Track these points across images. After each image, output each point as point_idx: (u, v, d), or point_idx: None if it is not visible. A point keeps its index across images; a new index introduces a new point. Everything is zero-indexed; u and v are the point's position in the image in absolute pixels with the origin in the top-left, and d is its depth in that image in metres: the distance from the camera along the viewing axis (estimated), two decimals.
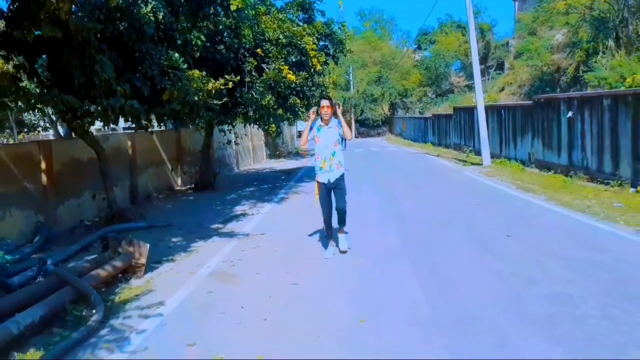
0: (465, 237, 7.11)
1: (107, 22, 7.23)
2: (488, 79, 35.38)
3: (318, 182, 6.54)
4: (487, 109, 18.37)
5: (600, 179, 11.18)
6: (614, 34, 17.89)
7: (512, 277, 5.28)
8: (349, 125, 48.84)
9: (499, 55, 38.27)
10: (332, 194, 6.50)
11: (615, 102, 10.80)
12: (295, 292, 5.18)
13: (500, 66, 37.48)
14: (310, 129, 6.54)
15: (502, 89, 29.72)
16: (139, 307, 4.97)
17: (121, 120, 8.50)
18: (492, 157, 17.33)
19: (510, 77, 30.22)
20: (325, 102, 6.44)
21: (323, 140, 6.44)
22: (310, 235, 7.78)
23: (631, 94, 10.43)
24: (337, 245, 6.60)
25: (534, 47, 26.30)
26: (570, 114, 12.70)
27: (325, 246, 6.72)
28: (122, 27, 7.47)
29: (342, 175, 6.48)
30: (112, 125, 11.40)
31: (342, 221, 6.58)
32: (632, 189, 9.88)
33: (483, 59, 36.13)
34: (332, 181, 6.42)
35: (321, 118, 6.46)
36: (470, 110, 21.70)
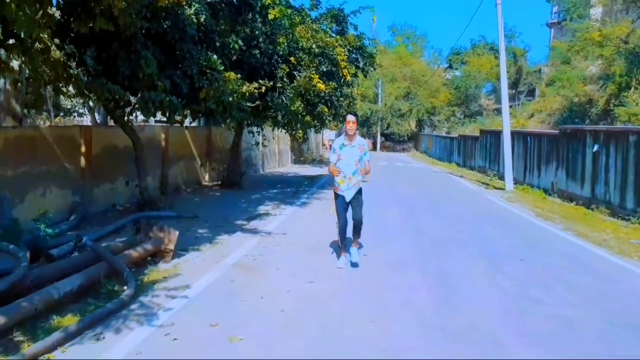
0: (478, 256, 7.34)
1: (153, 21, 7.73)
2: (518, 104, 35.31)
3: (335, 193, 6.57)
4: (514, 134, 18.46)
5: (621, 215, 11.24)
6: None
7: (519, 295, 5.51)
8: (374, 138, 49.22)
9: (531, 82, 38.16)
10: (349, 205, 6.52)
11: None
12: (312, 289, 5.50)
13: (531, 92, 37.36)
14: (333, 150, 6.59)
15: (532, 116, 29.64)
16: (166, 287, 5.36)
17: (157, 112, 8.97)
18: (515, 183, 17.40)
19: (541, 105, 30.12)
20: (351, 118, 6.42)
21: (345, 158, 6.43)
22: (329, 239, 8.08)
23: None
24: (349, 256, 6.57)
25: (567, 76, 26.22)
26: (596, 147, 12.78)
27: (339, 254, 6.77)
28: (166, 26, 7.97)
29: (360, 190, 6.51)
30: (142, 117, 11.91)
31: (357, 232, 6.55)
32: None
33: (514, 84, 36.11)
34: (347, 199, 6.45)
35: (346, 134, 6.44)
36: (497, 134, 21.78)
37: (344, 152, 6.44)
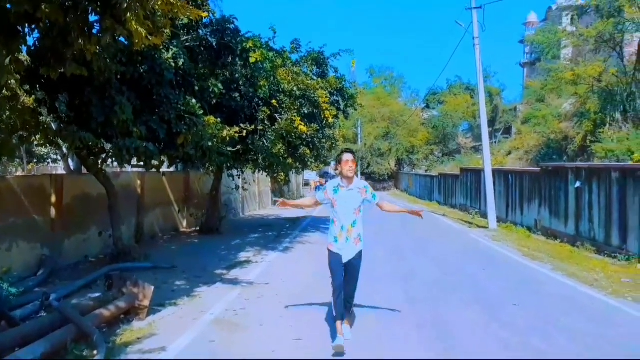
0: (471, 302, 7.03)
1: (129, 65, 7.52)
2: (495, 142, 35.88)
3: (329, 250, 5.34)
4: (494, 172, 18.52)
5: (607, 252, 11.12)
6: (622, 107, 18.27)
7: (520, 346, 5.19)
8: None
9: (507, 120, 39.01)
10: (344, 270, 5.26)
11: (624, 176, 10.89)
12: (299, 347, 5.10)
13: (507, 130, 38.10)
14: (321, 188, 5.50)
15: (509, 153, 30.07)
16: (140, 350, 4.91)
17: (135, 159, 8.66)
18: (498, 221, 17.31)
19: (518, 142, 30.63)
20: (349, 157, 5.31)
21: (341, 206, 5.25)
22: (315, 287, 7.71)
23: None
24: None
25: (542, 114, 26.82)
26: (578, 184, 12.79)
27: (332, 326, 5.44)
28: (142, 71, 7.76)
29: (360, 253, 5.32)
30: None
31: (348, 308, 5.38)
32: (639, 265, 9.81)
33: (491, 122, 36.74)
34: (345, 260, 5.22)
35: (342, 176, 5.33)
36: (477, 172, 21.87)
37: (340, 198, 5.27)
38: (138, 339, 5.29)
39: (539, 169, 16.09)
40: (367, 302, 6.87)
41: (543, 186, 15.14)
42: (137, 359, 4.72)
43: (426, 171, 41.31)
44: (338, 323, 5.12)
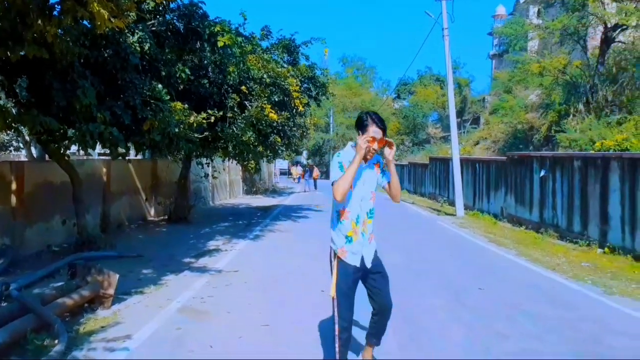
0: (438, 288, 7.15)
1: (92, 48, 7.28)
2: (464, 132, 36.39)
3: (341, 260, 3.66)
4: (462, 161, 18.82)
5: (569, 238, 11.46)
6: (585, 98, 18.76)
7: (483, 330, 5.31)
8: (327, 167, 49.66)
9: (475, 110, 39.61)
10: (366, 281, 3.75)
11: (586, 165, 11.22)
12: (266, 333, 5.09)
13: (475, 121, 38.70)
14: (340, 165, 3.65)
15: (477, 143, 30.57)
16: (104, 339, 4.82)
17: (98, 145, 8.43)
18: (465, 209, 17.63)
19: (485, 132, 31.16)
20: (378, 132, 3.56)
21: (359, 188, 3.67)
22: (285, 274, 7.72)
23: (600, 158, 10.87)
24: None
25: (509, 105, 27.33)
26: (543, 172, 13.11)
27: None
28: (107, 55, 7.53)
29: (376, 252, 3.85)
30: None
31: (382, 329, 3.85)
32: (599, 250, 10.14)
33: (459, 113, 37.24)
34: (367, 264, 3.70)
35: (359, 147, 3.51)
36: (446, 162, 22.19)
37: (359, 179, 3.65)
38: (102, 327, 5.19)
39: (505, 158, 16.43)
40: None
41: (509, 175, 15.47)
42: (101, 347, 4.61)
43: (397, 160, 41.67)
44: None
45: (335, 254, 3.69)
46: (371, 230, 3.78)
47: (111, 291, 5.92)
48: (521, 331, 5.30)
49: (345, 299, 3.58)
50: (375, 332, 3.83)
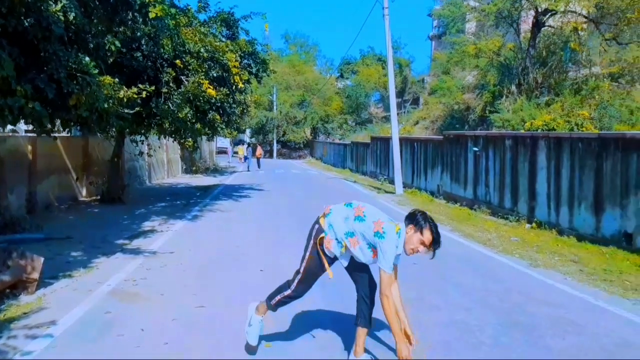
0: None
1: (9, 17, 6.74)
2: (404, 112, 37.11)
3: (322, 249, 3.89)
4: (402, 140, 19.19)
5: (500, 214, 12.00)
6: (517, 80, 19.53)
7: (416, 302, 5.44)
8: (271, 146, 49.17)
9: (415, 91, 40.44)
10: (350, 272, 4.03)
11: (516, 143, 11.72)
12: (201, 315, 4.99)
13: (415, 101, 39.54)
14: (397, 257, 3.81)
15: (417, 123, 31.23)
16: (26, 326, 4.55)
17: (22, 122, 7.89)
18: (404, 187, 18.06)
19: (425, 112, 31.86)
20: (429, 240, 3.69)
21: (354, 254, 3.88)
22: (222, 255, 7.60)
23: (529, 137, 11.39)
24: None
25: (447, 85, 28.04)
26: (476, 148, 13.59)
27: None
28: (27, 24, 6.99)
29: None
30: (11, 127, 10.58)
31: (366, 317, 3.87)
32: (527, 225, 10.69)
33: (400, 93, 37.96)
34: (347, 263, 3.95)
35: (406, 246, 3.78)
36: (386, 141, 22.57)
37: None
38: (24, 313, 4.90)
39: (442, 137, 16.89)
40: (274, 262, 6.90)
41: (445, 153, 15.95)
42: (23, 334, 4.36)
43: (340, 140, 41.98)
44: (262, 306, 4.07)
45: (321, 238, 3.90)
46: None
47: (35, 275, 5.60)
48: (452, 302, 5.51)
49: (311, 276, 3.92)
50: (364, 317, 3.92)
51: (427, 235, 3.66)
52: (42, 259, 5.66)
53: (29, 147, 11.12)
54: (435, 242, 3.70)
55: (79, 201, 13.34)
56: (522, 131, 14.37)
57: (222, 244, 8.43)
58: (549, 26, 19.51)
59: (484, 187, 13.24)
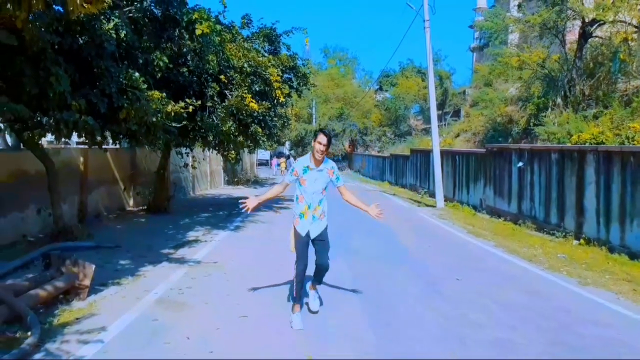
0: (415, 277, 7.22)
1: (66, 35, 7.11)
2: (445, 124, 36.66)
3: (295, 226, 5.32)
4: (443, 153, 18.97)
5: (546, 229, 11.65)
6: (563, 92, 19.00)
7: (459, 319, 5.38)
8: None
9: (456, 103, 39.88)
10: (312, 245, 5.35)
11: (562, 157, 11.39)
12: (244, 325, 5.08)
13: (456, 113, 38.98)
14: (292, 170, 5.37)
15: (458, 135, 30.81)
16: (78, 331, 4.74)
17: (75, 134, 8.27)
18: (445, 200, 17.80)
19: (466, 125, 31.41)
20: (323, 139, 5.14)
21: (309, 185, 5.24)
22: (265, 266, 7.70)
23: (577, 150, 11.05)
24: (304, 303, 5.49)
25: (489, 97, 27.56)
26: (520, 164, 13.28)
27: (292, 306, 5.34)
28: (81, 41, 7.36)
29: (326, 227, 5.37)
30: (64, 139, 11.12)
31: (318, 279, 5.51)
32: (575, 241, 10.34)
33: (441, 105, 37.53)
34: (312, 236, 5.27)
35: (312, 156, 5.23)
36: (426, 153, 22.34)
37: (309, 177, 5.23)
38: (77, 319, 5.11)
39: (485, 150, 16.59)
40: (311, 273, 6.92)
41: (488, 166, 15.65)
42: (75, 339, 4.54)
43: (379, 152, 41.82)
44: (297, 307, 5.20)
45: (293, 224, 5.35)
46: (321, 212, 5.31)
47: (87, 282, 5.83)
48: (496, 321, 5.38)
49: (300, 257, 5.23)
50: (316, 278, 5.53)
51: (317, 137, 5.21)
52: (93, 267, 5.88)
53: (81, 159, 11.62)
54: (319, 133, 5.23)
55: (126, 211, 13.80)
56: (569, 144, 13.95)
57: (264, 254, 8.53)
58: (597, 37, 18.95)
59: (529, 201, 12.91)
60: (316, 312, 5.44)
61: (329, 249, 5.37)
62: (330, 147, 5.26)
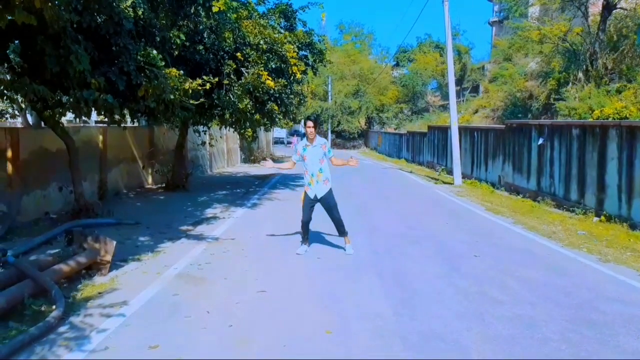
0: (433, 254, 7.21)
1: (85, 13, 7.10)
2: (463, 100, 36.10)
3: (305, 192, 7.07)
4: (461, 130, 18.73)
5: (566, 206, 11.50)
6: (585, 66, 18.50)
7: (477, 296, 5.36)
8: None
9: (475, 78, 39.18)
10: (320, 206, 7.06)
11: (584, 133, 11.16)
12: (263, 299, 5.14)
13: (475, 89, 38.34)
14: (295, 150, 7.16)
15: (476, 111, 30.34)
16: (101, 305, 4.85)
17: (94, 113, 8.33)
18: (463, 177, 17.64)
19: (485, 101, 30.87)
20: (309, 124, 6.98)
21: (310, 159, 6.94)
22: (282, 242, 7.76)
23: (599, 126, 10.80)
24: (306, 245, 7.27)
25: (509, 72, 26.98)
26: (541, 140, 13.06)
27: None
28: (100, 20, 7.36)
29: (330, 191, 6.99)
30: (83, 118, 11.23)
31: (342, 231, 7.13)
32: (595, 218, 10.19)
33: (459, 81, 36.94)
34: (318, 197, 6.93)
35: (306, 137, 7.00)
36: (444, 130, 22.09)
37: (308, 154, 6.97)
38: (99, 293, 5.23)
39: (504, 126, 16.33)
40: (331, 255, 6.97)
41: (507, 143, 15.42)
42: (98, 313, 4.65)
43: (395, 129, 41.48)
44: (305, 242, 7.24)
45: (305, 190, 7.10)
46: (324, 179, 6.96)
47: (108, 258, 5.94)
48: (515, 297, 5.36)
49: (305, 209, 7.04)
50: (339, 231, 7.18)
51: (306, 124, 7.04)
52: (114, 243, 5.99)
53: (100, 137, 11.75)
54: (307, 121, 7.06)
55: (145, 188, 13.97)
56: (590, 120, 13.65)
57: (280, 231, 8.58)
58: (621, 8, 18.32)
59: (548, 178, 12.72)
60: (351, 254, 7.01)
61: (334, 205, 7.04)
62: (317, 126, 7.13)
